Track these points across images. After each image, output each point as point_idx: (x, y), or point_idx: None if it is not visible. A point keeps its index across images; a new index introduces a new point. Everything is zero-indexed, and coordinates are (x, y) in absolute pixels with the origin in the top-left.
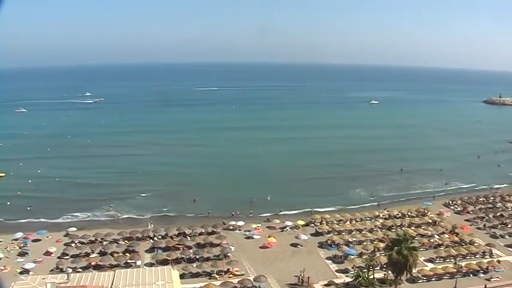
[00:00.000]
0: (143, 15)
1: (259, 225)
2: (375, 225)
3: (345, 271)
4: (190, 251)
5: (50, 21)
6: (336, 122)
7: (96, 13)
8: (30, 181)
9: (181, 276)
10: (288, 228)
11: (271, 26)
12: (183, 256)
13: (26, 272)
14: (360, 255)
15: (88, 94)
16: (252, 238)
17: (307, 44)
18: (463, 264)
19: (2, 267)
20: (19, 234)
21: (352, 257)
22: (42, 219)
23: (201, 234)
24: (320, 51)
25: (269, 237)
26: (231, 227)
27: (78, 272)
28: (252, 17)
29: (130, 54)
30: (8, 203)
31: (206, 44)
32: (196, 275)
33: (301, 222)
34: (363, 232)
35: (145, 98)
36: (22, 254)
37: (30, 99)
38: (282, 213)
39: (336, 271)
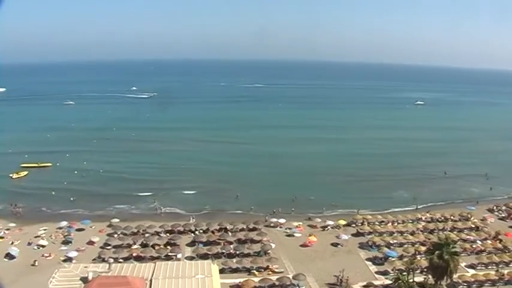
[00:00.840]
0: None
1: (301, 223)
2: (417, 228)
3: (384, 273)
4: (231, 246)
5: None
6: (380, 123)
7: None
8: (75, 172)
9: (221, 271)
10: (329, 227)
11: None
12: (223, 251)
13: (69, 260)
14: (401, 257)
15: (134, 88)
16: (293, 236)
17: (344, 42)
18: (506, 271)
19: (47, 255)
20: (63, 223)
21: (393, 259)
22: (86, 210)
23: (242, 230)
24: (361, 50)
25: (310, 235)
26: (272, 224)
27: (120, 262)
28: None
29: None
30: (53, 193)
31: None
32: (235, 271)
33: (342, 222)
34: (405, 234)
35: (192, 93)
36: (66, 243)
37: (78, 92)
38: (324, 212)
39: (376, 273)
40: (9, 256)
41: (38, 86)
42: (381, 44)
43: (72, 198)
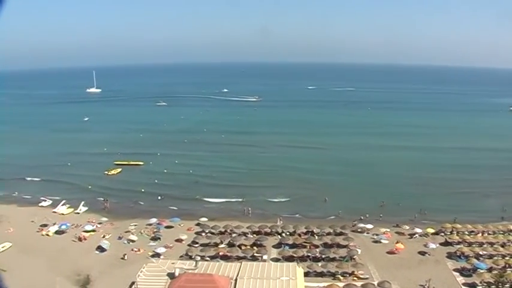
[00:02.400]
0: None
1: (388, 230)
2: (508, 240)
3: (472, 285)
4: (317, 250)
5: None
6: (472, 130)
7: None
8: (165, 171)
9: (306, 274)
10: (417, 235)
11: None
12: (309, 254)
13: (157, 255)
14: (490, 270)
15: (225, 90)
16: (380, 242)
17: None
18: None
19: (136, 249)
20: (153, 220)
21: (481, 271)
22: (175, 208)
23: (328, 234)
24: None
25: (397, 242)
26: (359, 230)
27: (206, 260)
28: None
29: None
30: (143, 190)
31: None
32: (320, 274)
33: (430, 230)
34: (495, 246)
35: (283, 97)
36: (155, 239)
37: (169, 94)
38: (413, 220)
39: (463, 284)
40: (100, 249)
41: (130, 87)
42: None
43: (159, 197)
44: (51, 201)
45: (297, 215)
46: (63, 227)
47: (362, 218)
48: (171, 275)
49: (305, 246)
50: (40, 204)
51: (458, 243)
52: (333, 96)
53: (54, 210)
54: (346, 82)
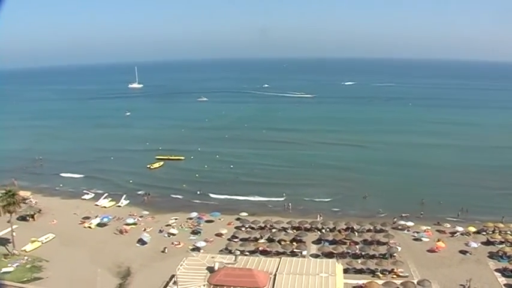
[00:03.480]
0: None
1: (429, 227)
2: None
3: None
4: (357, 246)
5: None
6: None
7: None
8: (206, 166)
9: (345, 271)
10: (458, 233)
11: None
12: (348, 251)
13: (197, 249)
14: None
15: (266, 86)
16: (420, 240)
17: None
18: None
19: (176, 243)
20: (194, 214)
21: None
22: (215, 202)
23: (369, 231)
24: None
25: (438, 241)
26: (399, 227)
27: (246, 255)
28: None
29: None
30: (184, 185)
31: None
32: (359, 271)
33: (472, 229)
34: None
35: (326, 93)
36: (195, 233)
37: (210, 89)
38: (453, 218)
39: (504, 285)
40: (141, 242)
41: (170, 82)
42: None
43: (198, 192)
44: (93, 195)
45: (338, 212)
46: (105, 219)
47: (403, 215)
48: (211, 269)
49: (345, 243)
50: (83, 197)
51: (501, 242)
52: (372, 92)
53: (96, 203)
54: (386, 77)
